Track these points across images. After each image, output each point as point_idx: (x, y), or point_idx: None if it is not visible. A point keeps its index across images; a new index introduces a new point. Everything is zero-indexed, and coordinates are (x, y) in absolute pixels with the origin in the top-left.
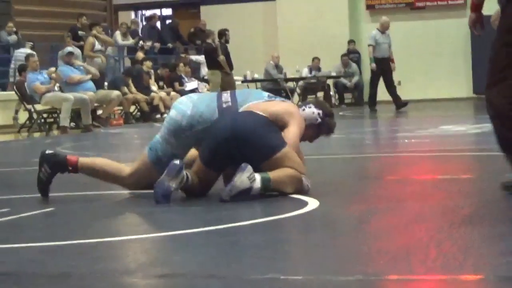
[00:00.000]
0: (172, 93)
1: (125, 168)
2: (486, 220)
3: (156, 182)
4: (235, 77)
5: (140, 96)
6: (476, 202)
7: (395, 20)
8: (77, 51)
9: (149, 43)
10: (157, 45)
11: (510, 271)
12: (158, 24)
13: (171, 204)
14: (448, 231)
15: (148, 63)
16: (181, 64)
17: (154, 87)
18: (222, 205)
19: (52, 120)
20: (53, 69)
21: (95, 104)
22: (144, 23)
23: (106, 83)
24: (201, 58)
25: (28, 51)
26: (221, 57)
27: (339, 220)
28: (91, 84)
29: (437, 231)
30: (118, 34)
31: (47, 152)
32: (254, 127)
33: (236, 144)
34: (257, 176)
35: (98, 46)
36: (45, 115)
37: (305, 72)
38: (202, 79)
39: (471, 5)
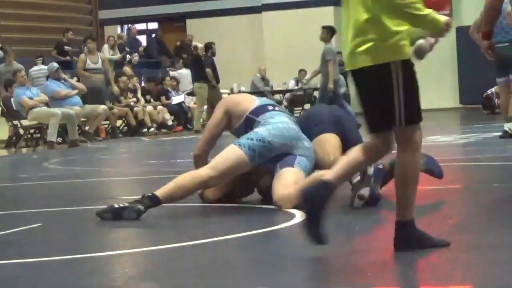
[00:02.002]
0: (159, 107)
1: (203, 174)
2: (473, 230)
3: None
4: (222, 90)
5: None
6: (463, 212)
7: None
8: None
9: (136, 58)
10: (136, 58)
11: (497, 281)
12: (144, 38)
13: (160, 218)
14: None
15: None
16: (168, 78)
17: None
18: (210, 219)
19: (39, 135)
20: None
21: (82, 119)
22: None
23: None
24: (177, 74)
25: None
26: (208, 70)
27: (327, 232)
28: (77, 99)
29: None
30: (106, 48)
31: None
32: None
33: None
34: None
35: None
36: (31, 131)
37: (291, 84)
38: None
39: (482, 34)
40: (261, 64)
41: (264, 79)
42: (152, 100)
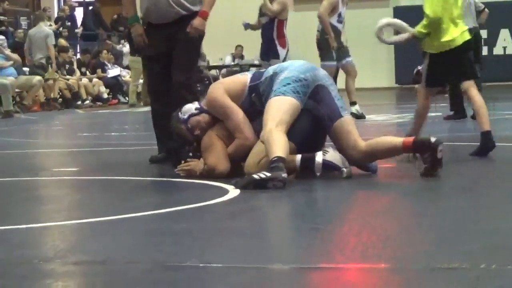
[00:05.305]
0: (95, 79)
1: (281, 130)
2: (404, 210)
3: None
4: None
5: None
6: (395, 191)
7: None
8: (1, 37)
9: (78, 30)
10: (78, 31)
11: (427, 261)
12: (81, 10)
13: (92, 191)
14: (368, 220)
15: None
16: (104, 51)
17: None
18: (142, 192)
19: None
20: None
21: (16, 90)
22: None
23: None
24: (125, 48)
25: None
26: None
27: (260, 208)
28: (12, 70)
29: (357, 220)
30: None
31: None
32: None
33: None
34: None
35: None
36: None
37: (228, 60)
38: (126, 67)
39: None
40: None
41: (200, 55)
42: (88, 72)
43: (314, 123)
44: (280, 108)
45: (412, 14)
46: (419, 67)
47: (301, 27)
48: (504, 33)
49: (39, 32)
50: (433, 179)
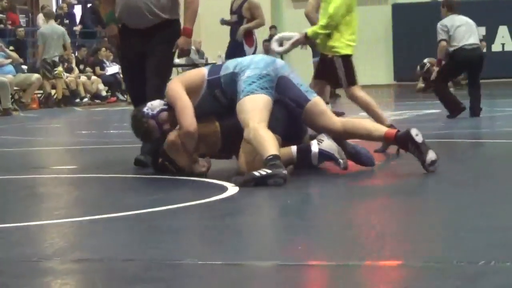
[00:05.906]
0: (93, 77)
1: (262, 126)
2: (402, 207)
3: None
4: None
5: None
6: (392, 188)
7: None
8: None
9: (77, 28)
10: (77, 28)
11: (425, 258)
12: (79, 8)
13: (92, 189)
14: (365, 217)
15: None
16: (103, 49)
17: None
18: (140, 190)
19: None
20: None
21: (15, 88)
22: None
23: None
24: None
25: None
26: None
27: (257, 206)
28: (10, 67)
29: (354, 217)
30: (40, 17)
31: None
32: None
33: None
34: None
35: None
36: None
37: None
38: None
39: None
40: (196, 37)
41: (199, 52)
42: (86, 70)
43: (286, 112)
44: (255, 107)
45: (410, 12)
46: (426, 61)
47: (300, 25)
48: (502, 30)
49: (53, 30)
50: (431, 176)
